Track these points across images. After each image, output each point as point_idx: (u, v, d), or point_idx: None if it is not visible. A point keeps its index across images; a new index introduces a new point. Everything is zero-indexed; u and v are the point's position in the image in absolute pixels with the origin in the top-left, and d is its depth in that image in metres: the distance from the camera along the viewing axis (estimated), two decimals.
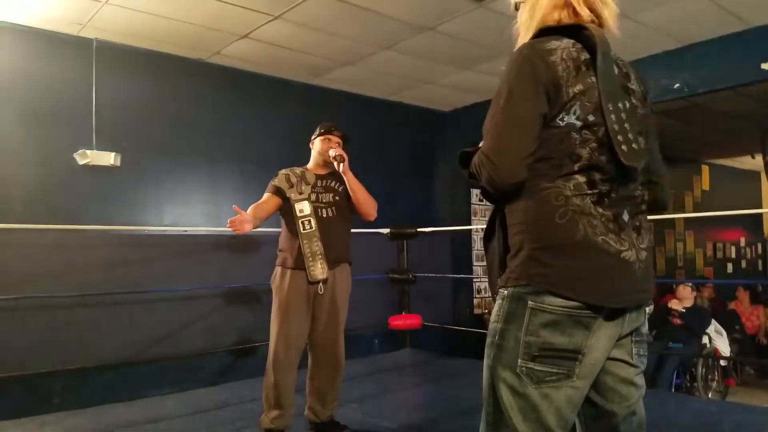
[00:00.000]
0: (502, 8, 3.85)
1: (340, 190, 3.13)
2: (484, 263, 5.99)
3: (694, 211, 9.15)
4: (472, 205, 6.64)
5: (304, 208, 3.01)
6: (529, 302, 1.26)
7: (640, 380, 1.40)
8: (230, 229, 2.84)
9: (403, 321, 5.46)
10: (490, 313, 6.24)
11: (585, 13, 1.36)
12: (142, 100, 4.50)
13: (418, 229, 5.40)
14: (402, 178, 6.15)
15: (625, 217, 1.30)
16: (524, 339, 1.26)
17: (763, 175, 9.55)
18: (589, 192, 1.26)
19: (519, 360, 1.26)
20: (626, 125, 1.27)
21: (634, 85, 1.39)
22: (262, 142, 5.07)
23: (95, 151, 4.09)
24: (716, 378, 5.57)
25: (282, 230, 3.14)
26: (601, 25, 1.37)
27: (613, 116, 1.26)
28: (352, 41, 4.48)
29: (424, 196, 6.42)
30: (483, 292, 6.70)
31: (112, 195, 4.30)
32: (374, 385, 4.38)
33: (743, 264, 10.44)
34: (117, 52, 4.38)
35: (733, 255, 10.27)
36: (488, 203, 6.42)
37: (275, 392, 2.97)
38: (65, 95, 4.16)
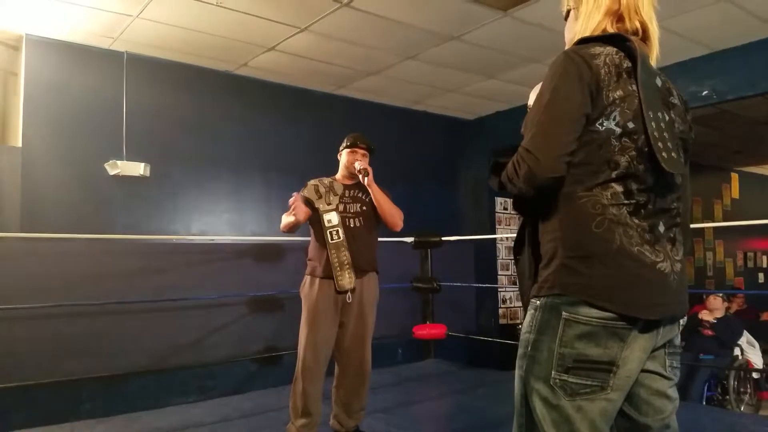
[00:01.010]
0: (528, 17, 3.87)
1: (367, 200, 3.16)
2: (509, 272, 5.94)
3: (724, 219, 8.98)
4: (496, 214, 6.60)
5: (332, 218, 3.04)
6: (564, 313, 1.25)
7: (674, 393, 1.38)
8: (287, 223, 2.99)
9: (427, 330, 5.43)
10: (517, 323, 6.18)
11: (633, 27, 1.37)
12: (170, 112, 4.58)
13: (443, 238, 5.38)
14: (426, 186, 6.16)
15: (661, 228, 1.29)
16: (558, 350, 1.25)
17: None
18: (626, 202, 1.26)
19: (553, 372, 1.25)
20: (665, 134, 1.27)
21: (676, 100, 1.39)
22: (287, 152, 5.12)
23: (125, 161, 4.16)
24: (749, 391, 5.43)
25: (311, 240, 3.17)
26: (645, 39, 1.38)
27: (653, 123, 1.26)
28: (376, 51, 4.51)
29: (448, 205, 6.41)
30: (508, 301, 6.65)
31: (142, 205, 4.38)
32: (399, 395, 4.36)
33: None
34: (147, 64, 4.47)
35: (765, 264, 10.04)
36: (514, 211, 6.33)
37: (303, 400, 2.98)
38: (96, 107, 4.26)
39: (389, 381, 4.74)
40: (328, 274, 2.99)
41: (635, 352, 1.25)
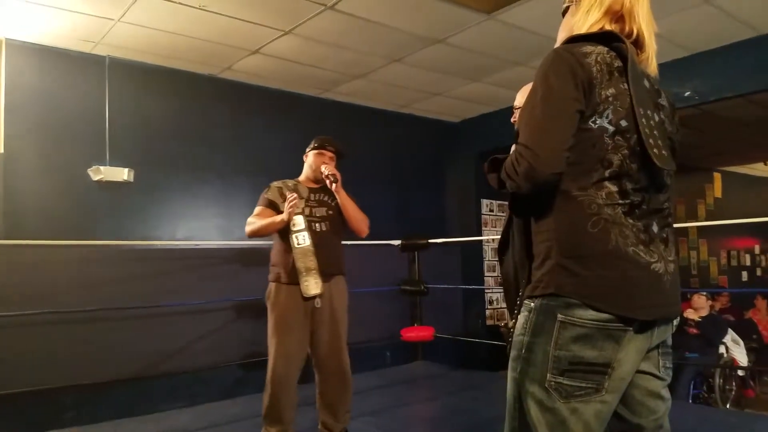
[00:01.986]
0: (512, 20, 3.88)
1: (333, 204, 3.11)
2: (496, 274, 5.96)
3: (707, 218, 9.08)
4: (482, 216, 6.62)
5: (298, 222, 2.95)
6: (559, 315, 1.24)
7: (667, 393, 1.39)
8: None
9: (415, 333, 5.44)
10: (502, 323, 6.17)
11: (629, 30, 1.37)
12: (154, 116, 4.54)
13: (430, 241, 5.39)
14: (413, 189, 6.16)
15: (655, 228, 1.29)
16: (553, 353, 1.24)
17: None
18: (620, 202, 1.26)
19: (548, 374, 1.24)
20: (656, 132, 1.28)
21: (664, 102, 1.40)
22: (274, 155, 5.09)
23: (108, 167, 4.12)
24: (734, 388, 5.49)
25: (274, 244, 3.09)
26: (638, 42, 1.38)
27: (644, 120, 1.26)
28: (362, 55, 4.50)
29: (434, 207, 6.42)
30: (495, 302, 6.66)
31: (126, 210, 4.33)
32: (387, 398, 4.35)
33: (758, 272, 10.33)
34: (129, 68, 4.43)
35: (748, 263, 10.16)
36: (502, 213, 6.33)
37: (275, 409, 2.94)
38: (78, 112, 4.20)
39: (377, 384, 4.72)
40: (294, 280, 2.92)
41: (630, 354, 1.25)
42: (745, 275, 10.07)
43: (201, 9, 3.62)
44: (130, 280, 4.19)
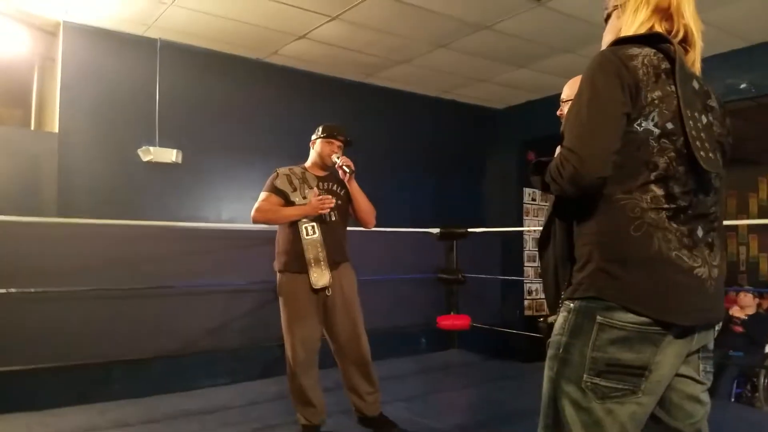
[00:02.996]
0: (561, 7, 3.81)
1: (341, 193, 3.09)
2: (536, 264, 5.90)
3: (759, 213, 8.77)
4: (524, 205, 6.55)
5: None
6: (598, 317, 1.24)
7: (706, 397, 1.37)
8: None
9: (451, 321, 5.45)
10: (541, 315, 6.13)
11: (678, 28, 1.34)
12: (202, 99, 4.63)
13: (469, 230, 5.37)
14: (452, 176, 6.13)
15: (699, 233, 1.27)
16: (590, 354, 1.24)
17: None
18: (665, 206, 1.24)
19: (584, 375, 1.24)
20: (703, 134, 1.26)
21: (714, 104, 1.37)
22: None
23: (158, 148, 4.23)
24: None
25: (281, 232, 3.08)
26: (687, 40, 1.35)
27: (691, 123, 1.24)
28: (408, 40, 4.48)
29: (474, 195, 6.38)
30: (534, 293, 6.61)
31: (173, 190, 4.46)
32: (422, 384, 4.39)
33: None
34: (179, 51, 4.52)
35: None
36: (544, 203, 6.26)
37: (302, 393, 3.00)
38: (130, 93, 4.32)
39: (412, 369, 4.77)
40: (303, 269, 2.94)
41: (669, 358, 1.24)
42: None
43: None
44: (175, 259, 4.30)
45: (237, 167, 4.77)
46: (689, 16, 1.35)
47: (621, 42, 1.32)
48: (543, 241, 1.46)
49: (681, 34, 1.35)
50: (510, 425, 3.44)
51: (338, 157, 3.03)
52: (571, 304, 1.30)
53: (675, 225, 1.24)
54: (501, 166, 6.47)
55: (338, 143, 3.12)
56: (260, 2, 3.80)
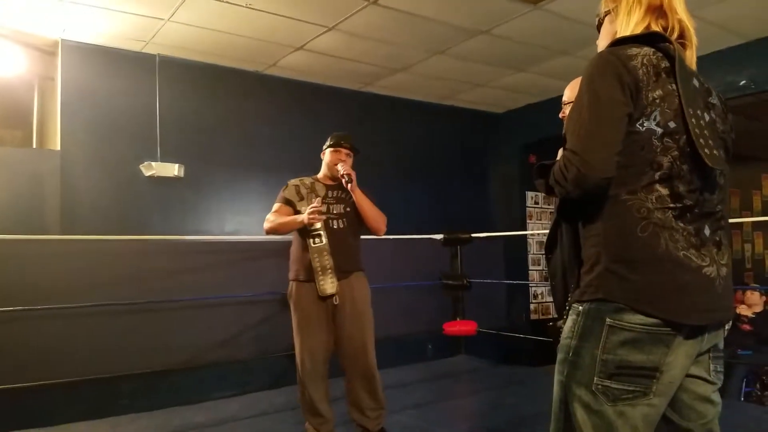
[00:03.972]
0: (558, 10, 3.82)
1: (350, 201, 3.09)
2: (541, 268, 5.87)
3: (763, 211, 8.75)
4: (527, 209, 6.54)
5: (316, 224, 2.95)
6: (607, 320, 1.23)
7: (717, 397, 1.36)
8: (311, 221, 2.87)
9: (458, 327, 5.43)
10: (548, 319, 6.09)
11: (672, 24, 1.35)
12: (202, 112, 4.65)
13: (472, 235, 5.36)
14: (455, 181, 6.13)
15: (706, 231, 1.27)
16: (601, 357, 1.23)
17: None
18: (671, 205, 1.23)
19: (595, 378, 1.24)
20: (706, 132, 1.26)
21: (715, 101, 1.37)
22: (318, 150, 5.12)
23: (160, 162, 4.25)
24: None
25: (293, 242, 3.11)
26: (684, 36, 1.36)
27: (693, 120, 1.24)
28: (404, 48, 4.50)
29: (477, 200, 6.37)
30: (539, 297, 6.59)
31: (176, 205, 4.47)
32: (430, 392, 4.37)
33: None
34: (178, 66, 4.54)
35: None
36: (546, 206, 6.22)
37: (310, 403, 3.00)
38: (130, 109, 4.34)
39: (420, 377, 4.75)
40: (312, 278, 2.94)
41: (679, 358, 1.24)
42: None
43: (248, 7, 3.69)
44: (181, 272, 4.32)
45: (239, 179, 4.79)
46: (682, 12, 1.36)
47: (619, 42, 1.32)
48: (550, 245, 1.45)
49: (677, 31, 1.35)
50: (521, 430, 3.42)
51: (341, 166, 3.05)
52: (580, 307, 1.29)
53: (682, 224, 1.24)
54: (503, 171, 6.47)
55: (345, 151, 3.14)
56: (257, 15, 3.82)
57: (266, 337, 4.66)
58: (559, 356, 1.32)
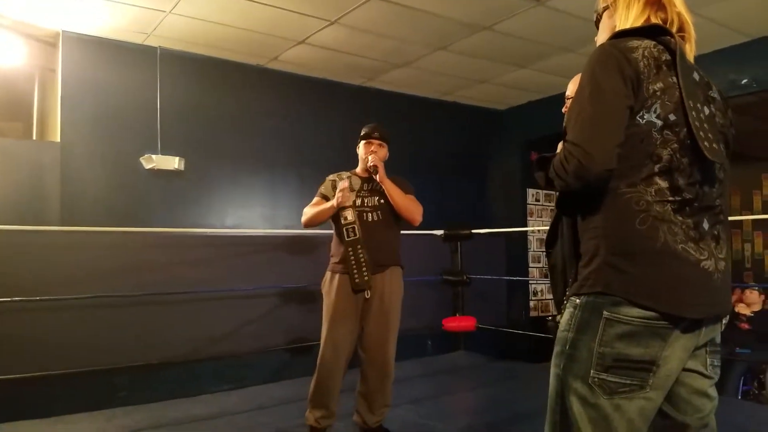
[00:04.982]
0: (561, 6, 3.81)
1: (385, 193, 3.09)
2: (541, 265, 5.86)
3: (764, 210, 8.74)
4: (528, 206, 6.54)
5: (348, 215, 2.98)
6: (605, 312, 1.23)
7: (714, 391, 1.36)
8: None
9: (457, 323, 5.44)
10: (548, 315, 6.10)
11: (672, 17, 1.35)
12: (203, 105, 4.64)
13: (473, 231, 5.36)
14: (456, 178, 6.13)
15: (705, 225, 1.27)
16: (598, 350, 1.23)
17: None
18: (670, 198, 1.23)
19: (591, 371, 1.24)
20: (706, 125, 1.25)
21: (715, 95, 1.37)
22: (319, 144, 5.15)
23: (160, 155, 4.24)
24: None
25: (333, 235, 3.16)
26: (683, 29, 1.36)
27: (694, 113, 1.23)
28: (407, 43, 4.49)
29: (478, 197, 6.37)
30: (539, 294, 6.59)
31: (177, 198, 4.46)
32: (429, 386, 4.38)
33: None
34: (179, 59, 4.54)
35: None
36: (548, 204, 6.21)
37: (321, 393, 3.00)
38: (131, 102, 4.33)
39: (419, 372, 4.76)
40: (346, 270, 2.97)
41: (676, 352, 1.24)
42: None
43: (250, 0, 3.68)
44: (180, 266, 4.32)
45: (240, 173, 4.78)
46: (680, 5, 1.36)
47: (620, 35, 1.32)
48: (550, 240, 1.45)
49: (676, 24, 1.35)
50: (519, 426, 3.43)
51: (371, 157, 3.05)
52: (578, 300, 1.29)
53: (681, 218, 1.24)
54: (504, 167, 6.46)
55: (376, 142, 3.13)
56: (259, 8, 3.81)
57: (265, 331, 4.67)
58: (556, 349, 1.32)
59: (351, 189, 3.06)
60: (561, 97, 1.96)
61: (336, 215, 3.03)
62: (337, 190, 2.94)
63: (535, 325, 6.25)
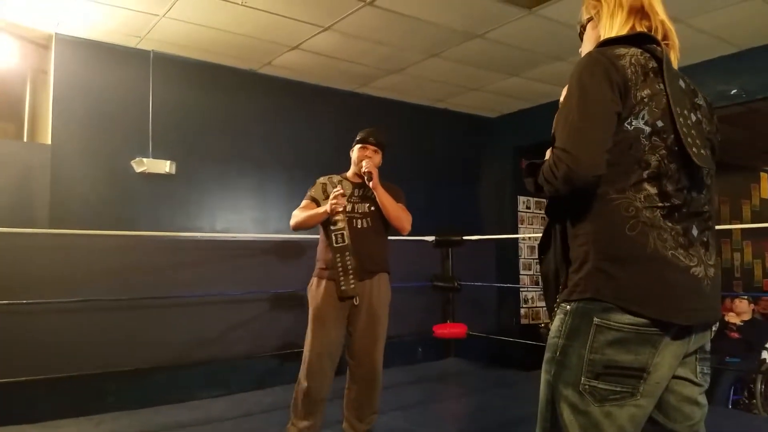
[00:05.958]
0: (552, 15, 3.83)
1: (376, 199, 3.04)
2: (532, 272, 5.87)
3: (752, 219, 8.81)
4: (519, 213, 6.55)
5: (337, 221, 2.92)
6: (595, 319, 1.23)
7: (703, 399, 1.36)
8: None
9: (448, 330, 5.42)
10: (538, 323, 6.10)
11: (654, 24, 1.36)
12: (196, 110, 4.63)
13: (464, 237, 5.36)
14: (448, 184, 6.14)
15: (694, 231, 1.27)
16: (588, 356, 1.23)
17: None
18: (659, 205, 1.24)
19: (582, 378, 1.23)
20: (693, 131, 1.27)
21: (701, 102, 1.38)
22: (311, 150, 5.14)
23: (151, 159, 4.22)
24: None
25: (320, 239, 3.08)
26: (667, 36, 1.38)
27: (681, 119, 1.25)
28: (399, 50, 4.50)
29: (469, 203, 6.38)
30: (530, 301, 6.60)
31: (167, 201, 4.44)
32: (418, 393, 4.36)
33: None
34: (172, 63, 4.52)
35: None
36: (539, 212, 6.21)
37: (306, 402, 2.91)
38: (123, 105, 4.31)
39: (408, 379, 4.74)
40: (333, 276, 2.91)
41: (666, 359, 1.24)
42: None
43: (243, 5, 3.68)
44: (169, 269, 4.29)
45: (231, 178, 4.77)
46: (662, 13, 1.38)
47: (607, 43, 1.33)
48: (543, 246, 1.45)
49: (660, 32, 1.37)
50: None
51: (365, 163, 2.98)
52: (568, 306, 1.29)
53: (670, 224, 1.24)
54: (495, 175, 6.48)
55: (372, 147, 3.07)
56: (252, 13, 3.81)
57: (254, 337, 4.64)
58: (546, 355, 1.32)
59: (344, 194, 2.98)
60: (552, 105, 1.97)
61: (325, 220, 2.96)
62: (331, 197, 2.86)
63: (526, 332, 6.25)
